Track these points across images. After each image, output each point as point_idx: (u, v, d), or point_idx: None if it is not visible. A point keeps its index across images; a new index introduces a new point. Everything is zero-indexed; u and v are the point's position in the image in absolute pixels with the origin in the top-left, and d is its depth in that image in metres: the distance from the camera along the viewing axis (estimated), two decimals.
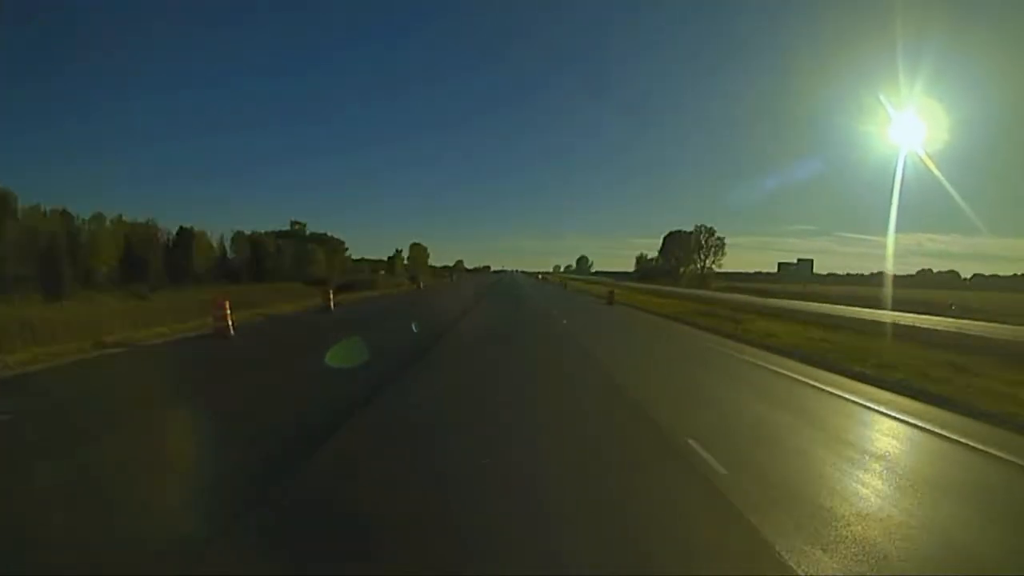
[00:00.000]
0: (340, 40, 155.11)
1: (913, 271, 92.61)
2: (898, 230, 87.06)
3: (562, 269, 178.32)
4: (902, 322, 18.84)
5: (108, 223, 34.85)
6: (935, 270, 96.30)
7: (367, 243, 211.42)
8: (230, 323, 12.90)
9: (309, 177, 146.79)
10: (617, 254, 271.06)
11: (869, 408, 7.26)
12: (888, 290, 39.25)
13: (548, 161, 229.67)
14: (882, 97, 42.56)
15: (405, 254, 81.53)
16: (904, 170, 40.80)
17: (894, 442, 5.73)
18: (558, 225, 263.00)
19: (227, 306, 12.90)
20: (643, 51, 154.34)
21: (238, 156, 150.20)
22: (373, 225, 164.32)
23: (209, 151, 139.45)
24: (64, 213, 32.00)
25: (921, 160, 38.57)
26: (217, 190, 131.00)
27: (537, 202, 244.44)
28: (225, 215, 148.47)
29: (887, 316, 22.28)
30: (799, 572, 2.99)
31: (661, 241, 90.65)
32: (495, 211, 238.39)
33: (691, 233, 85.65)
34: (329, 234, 56.69)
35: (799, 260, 69.52)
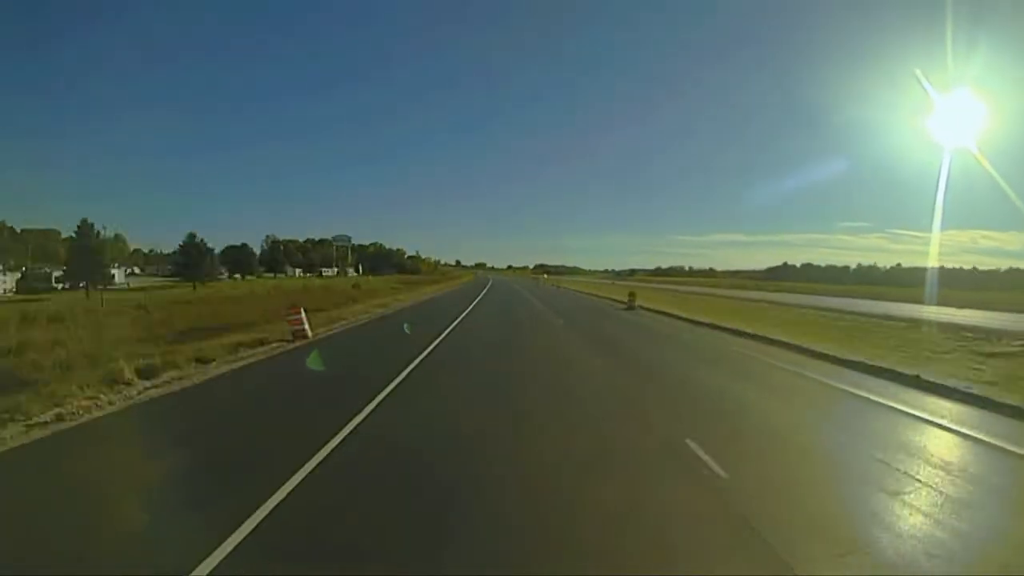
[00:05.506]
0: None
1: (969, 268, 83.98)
2: (951, 226, 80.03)
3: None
4: None
5: None
6: (998, 268, 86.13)
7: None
8: None
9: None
10: (660, 251, 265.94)
11: None
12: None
13: (560, 162, 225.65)
14: (931, 87, 39.57)
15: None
16: (952, 164, 38.15)
17: None
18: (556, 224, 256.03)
19: None
20: (677, 41, 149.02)
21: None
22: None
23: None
24: None
25: (973, 154, 35.98)
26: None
27: (540, 202, 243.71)
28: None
29: None
30: None
31: None
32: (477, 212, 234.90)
33: None
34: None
35: None
